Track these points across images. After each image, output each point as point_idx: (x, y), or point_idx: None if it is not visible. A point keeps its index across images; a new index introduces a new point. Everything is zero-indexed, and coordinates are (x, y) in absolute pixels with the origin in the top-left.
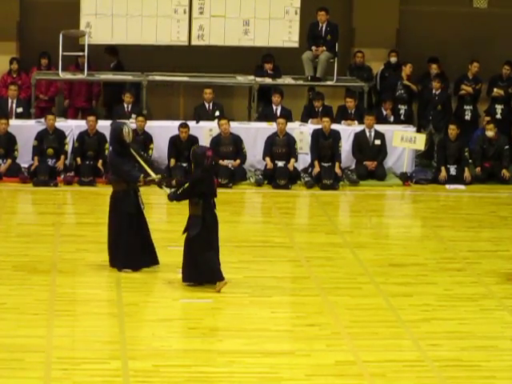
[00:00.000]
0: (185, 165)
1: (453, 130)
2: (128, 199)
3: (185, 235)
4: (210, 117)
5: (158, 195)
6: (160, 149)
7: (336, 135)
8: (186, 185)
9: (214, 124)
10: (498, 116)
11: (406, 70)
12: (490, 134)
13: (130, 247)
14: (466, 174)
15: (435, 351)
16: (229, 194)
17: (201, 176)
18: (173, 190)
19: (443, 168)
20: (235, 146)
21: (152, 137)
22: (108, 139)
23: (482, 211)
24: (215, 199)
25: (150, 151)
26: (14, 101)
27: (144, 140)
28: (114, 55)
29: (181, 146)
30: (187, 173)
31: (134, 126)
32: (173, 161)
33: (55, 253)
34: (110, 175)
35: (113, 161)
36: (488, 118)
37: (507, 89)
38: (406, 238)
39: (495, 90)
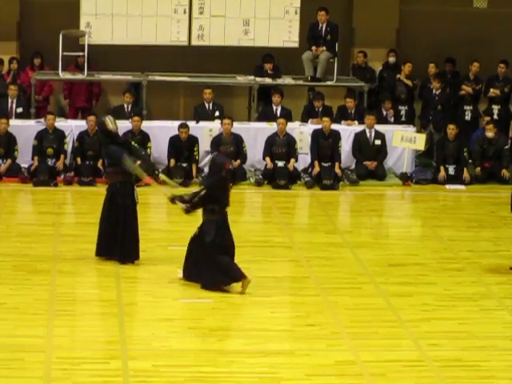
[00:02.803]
0: (185, 165)
1: (452, 130)
2: (125, 191)
3: (189, 238)
4: (209, 117)
5: (158, 195)
6: (160, 149)
7: (336, 135)
8: (203, 192)
9: (213, 124)
10: (495, 116)
11: (406, 69)
12: (490, 134)
13: (127, 239)
14: (465, 174)
15: (435, 351)
16: None
17: (217, 182)
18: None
19: (442, 168)
20: (236, 145)
21: (149, 135)
22: None
23: (481, 211)
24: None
25: (149, 150)
26: (14, 101)
27: (142, 139)
28: None
29: (180, 146)
30: (187, 173)
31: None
32: (172, 161)
33: (55, 253)
34: (107, 168)
35: (107, 150)
36: (488, 118)
37: (503, 88)
38: (406, 238)
39: (491, 90)
